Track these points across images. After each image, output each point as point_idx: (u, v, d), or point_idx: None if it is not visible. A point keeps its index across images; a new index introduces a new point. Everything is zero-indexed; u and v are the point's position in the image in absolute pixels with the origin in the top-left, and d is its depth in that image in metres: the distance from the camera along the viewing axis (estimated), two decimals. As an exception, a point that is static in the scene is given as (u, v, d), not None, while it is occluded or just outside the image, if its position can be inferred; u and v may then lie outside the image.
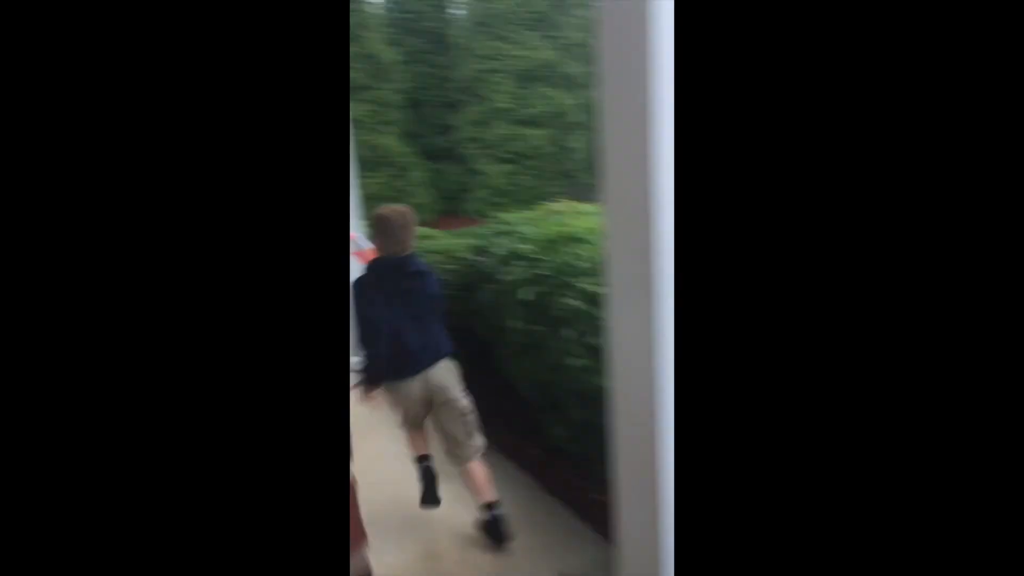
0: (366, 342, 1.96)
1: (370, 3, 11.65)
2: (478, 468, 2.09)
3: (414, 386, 2.01)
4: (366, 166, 10.65)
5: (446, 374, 2.07)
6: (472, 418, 2.10)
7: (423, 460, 2.23)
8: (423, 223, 3.52)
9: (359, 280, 1.99)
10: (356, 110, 10.42)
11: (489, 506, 2.06)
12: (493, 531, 2.06)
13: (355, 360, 1.91)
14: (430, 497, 2.19)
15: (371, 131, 10.52)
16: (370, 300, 1.94)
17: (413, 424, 2.16)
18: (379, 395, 2.05)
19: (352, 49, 10.42)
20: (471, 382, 2.11)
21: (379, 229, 1.97)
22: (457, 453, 2.09)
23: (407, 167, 10.98)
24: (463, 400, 2.09)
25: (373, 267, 2.01)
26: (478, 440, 2.12)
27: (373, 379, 2.01)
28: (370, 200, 10.08)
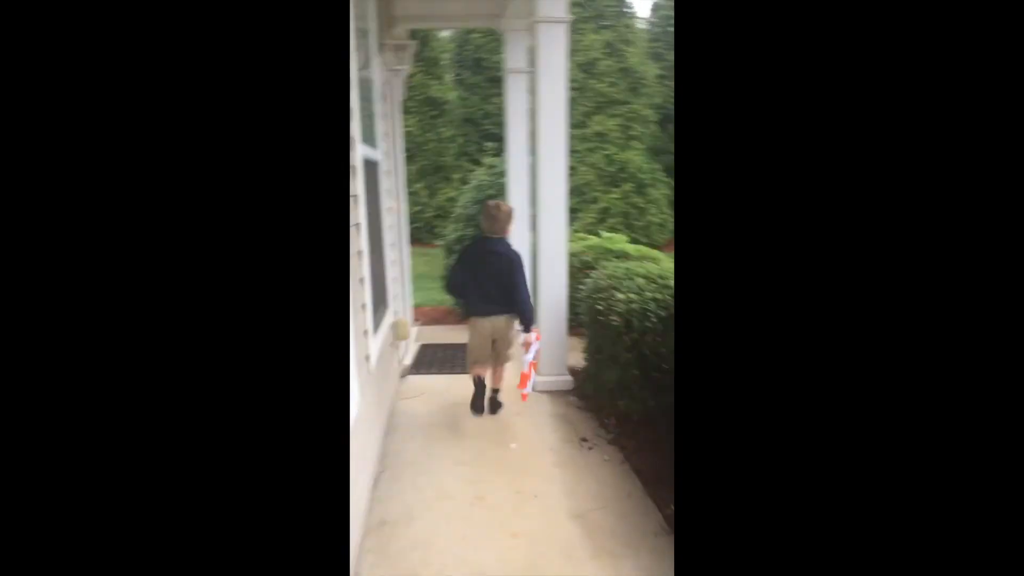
0: (455, 292, 3.30)
1: (637, 18, 11.53)
2: (501, 370, 3.21)
3: (486, 324, 3.05)
4: (606, 180, 10.56)
5: (508, 323, 3.09)
6: (510, 353, 3.21)
7: (480, 381, 3.18)
8: (654, 244, 3.66)
9: (461, 252, 3.21)
10: (606, 123, 10.38)
11: (495, 390, 3.20)
12: (493, 405, 3.19)
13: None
14: (477, 406, 3.16)
15: (617, 145, 10.35)
16: (463, 265, 3.07)
17: (478, 354, 3.11)
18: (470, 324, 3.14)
19: (612, 63, 10.40)
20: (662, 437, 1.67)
21: (485, 214, 3.02)
22: (497, 362, 3.18)
23: (648, 184, 10.50)
24: (513, 343, 3.18)
25: (472, 243, 3.19)
26: (510, 360, 3.23)
27: (464, 313, 3.32)
28: (605, 215, 9.99)
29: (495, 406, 3.19)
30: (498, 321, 3.05)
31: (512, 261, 2.97)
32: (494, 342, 3.10)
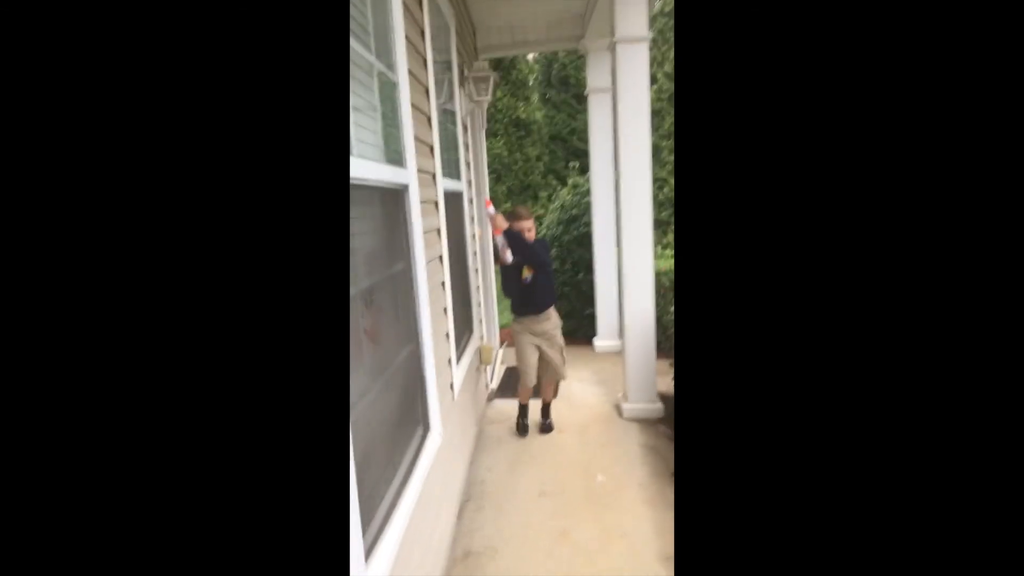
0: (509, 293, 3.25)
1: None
2: (551, 386, 3.33)
3: (535, 320, 3.17)
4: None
5: (553, 318, 3.20)
6: (563, 350, 3.24)
7: (523, 410, 3.37)
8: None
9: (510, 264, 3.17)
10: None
11: (546, 405, 3.37)
12: (545, 416, 3.38)
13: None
14: (522, 430, 3.34)
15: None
16: (509, 271, 3.16)
17: (527, 364, 3.22)
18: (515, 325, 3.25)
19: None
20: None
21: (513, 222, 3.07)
22: (549, 372, 3.24)
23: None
24: (560, 339, 3.23)
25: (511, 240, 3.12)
26: (565, 370, 3.27)
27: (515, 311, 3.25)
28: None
29: (544, 427, 3.34)
30: (546, 315, 3.18)
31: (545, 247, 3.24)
32: (540, 337, 3.18)
